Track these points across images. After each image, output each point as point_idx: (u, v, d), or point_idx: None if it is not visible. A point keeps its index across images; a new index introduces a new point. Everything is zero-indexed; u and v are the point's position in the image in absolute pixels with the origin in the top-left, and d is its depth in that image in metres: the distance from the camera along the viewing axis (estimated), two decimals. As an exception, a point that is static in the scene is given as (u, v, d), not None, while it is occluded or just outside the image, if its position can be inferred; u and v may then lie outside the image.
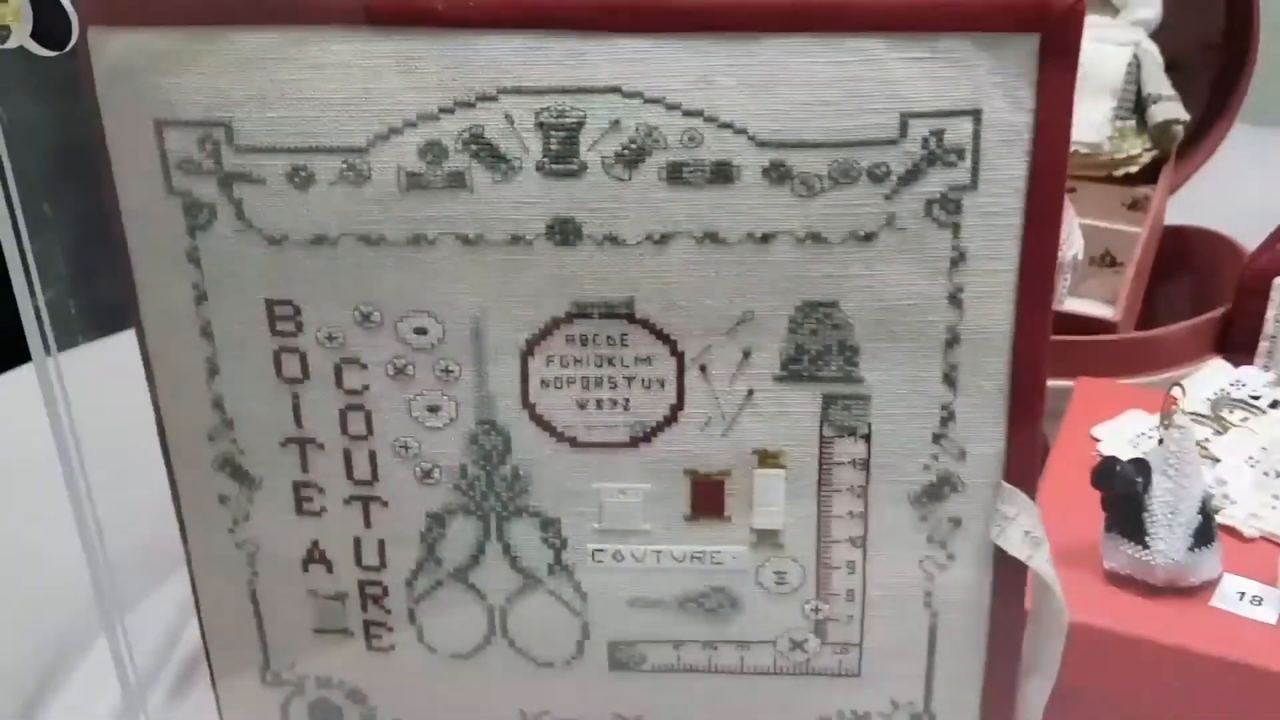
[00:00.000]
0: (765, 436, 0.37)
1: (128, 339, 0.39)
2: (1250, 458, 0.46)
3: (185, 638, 0.50)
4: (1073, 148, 0.65)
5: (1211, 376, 0.52)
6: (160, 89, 0.34)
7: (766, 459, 0.37)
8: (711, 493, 0.38)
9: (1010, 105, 0.33)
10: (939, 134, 0.33)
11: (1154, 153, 0.66)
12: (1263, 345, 0.56)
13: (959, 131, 0.33)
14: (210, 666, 0.43)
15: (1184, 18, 0.69)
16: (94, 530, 0.39)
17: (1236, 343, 0.57)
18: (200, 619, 0.42)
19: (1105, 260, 0.66)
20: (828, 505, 0.37)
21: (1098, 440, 0.48)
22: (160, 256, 0.37)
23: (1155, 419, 0.49)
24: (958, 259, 0.34)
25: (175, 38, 0.34)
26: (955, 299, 0.35)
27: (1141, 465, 0.40)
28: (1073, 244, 0.60)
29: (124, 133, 0.35)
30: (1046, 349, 0.36)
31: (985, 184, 0.34)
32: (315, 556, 0.40)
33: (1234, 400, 0.50)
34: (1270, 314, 0.55)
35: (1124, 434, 0.48)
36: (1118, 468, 0.39)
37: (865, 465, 0.37)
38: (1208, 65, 0.72)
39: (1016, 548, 0.36)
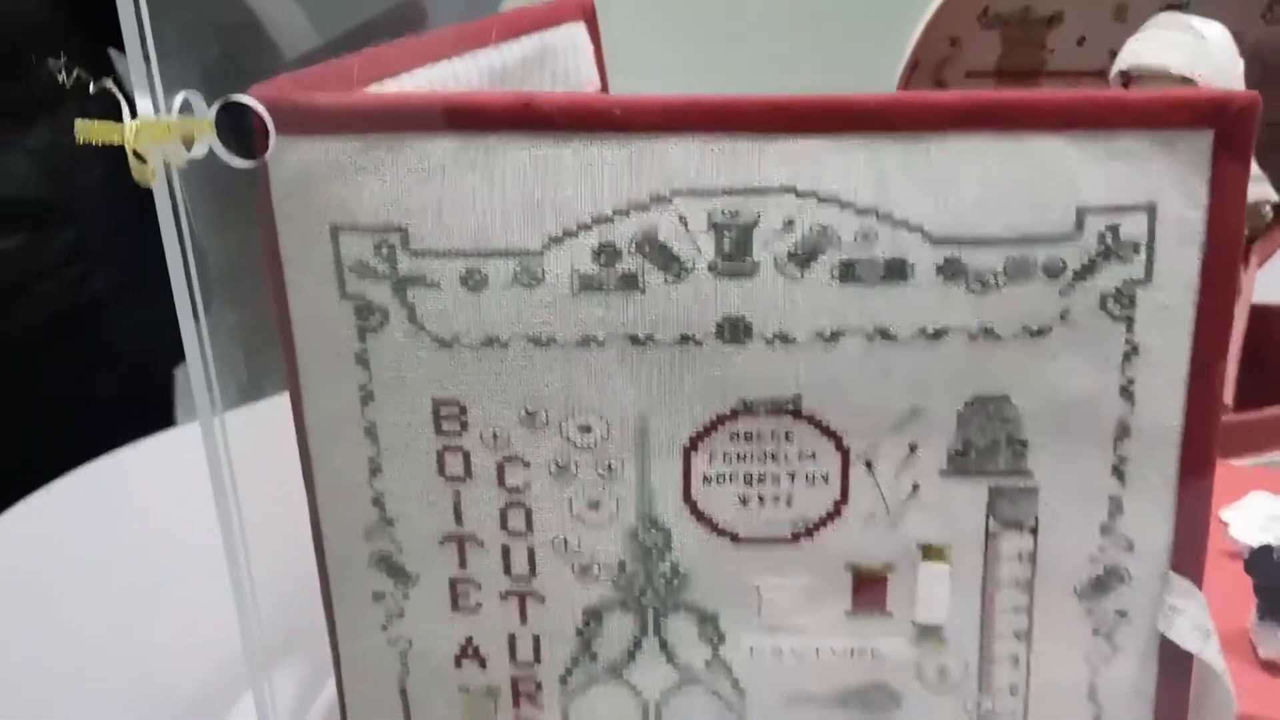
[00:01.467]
0: (930, 531, 0.37)
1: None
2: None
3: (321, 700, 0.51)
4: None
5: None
6: (338, 196, 0.35)
7: (931, 553, 0.37)
8: (874, 587, 0.37)
9: (1185, 200, 0.33)
10: (1115, 229, 0.34)
11: (1245, 235, 0.66)
12: (1372, 422, 0.56)
13: (1135, 226, 0.34)
14: (355, 765, 0.42)
15: (1273, 94, 0.70)
16: (250, 603, 0.39)
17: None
18: (344, 714, 0.42)
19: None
20: (992, 599, 0.37)
21: (1226, 524, 0.48)
22: (328, 360, 0.37)
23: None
24: (1130, 352, 0.35)
25: (357, 146, 0.35)
26: (1127, 392, 0.35)
27: (1296, 553, 0.39)
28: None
29: (298, 239, 0.36)
30: (1215, 440, 0.36)
31: (1159, 277, 0.34)
32: (469, 653, 0.40)
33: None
34: (1379, 393, 0.56)
35: (1253, 516, 0.48)
36: (1273, 555, 0.39)
37: (1031, 559, 0.37)
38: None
39: (1187, 639, 0.36)
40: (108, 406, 0.93)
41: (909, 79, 0.82)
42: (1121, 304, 0.34)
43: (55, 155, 0.96)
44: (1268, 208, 0.66)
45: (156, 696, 0.55)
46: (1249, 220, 0.67)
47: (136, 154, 0.32)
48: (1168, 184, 0.33)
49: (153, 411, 1.01)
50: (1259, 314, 0.70)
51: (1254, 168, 0.67)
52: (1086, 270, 0.34)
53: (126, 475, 0.75)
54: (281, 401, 0.39)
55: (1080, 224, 0.34)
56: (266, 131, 0.33)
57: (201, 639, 0.48)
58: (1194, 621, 0.36)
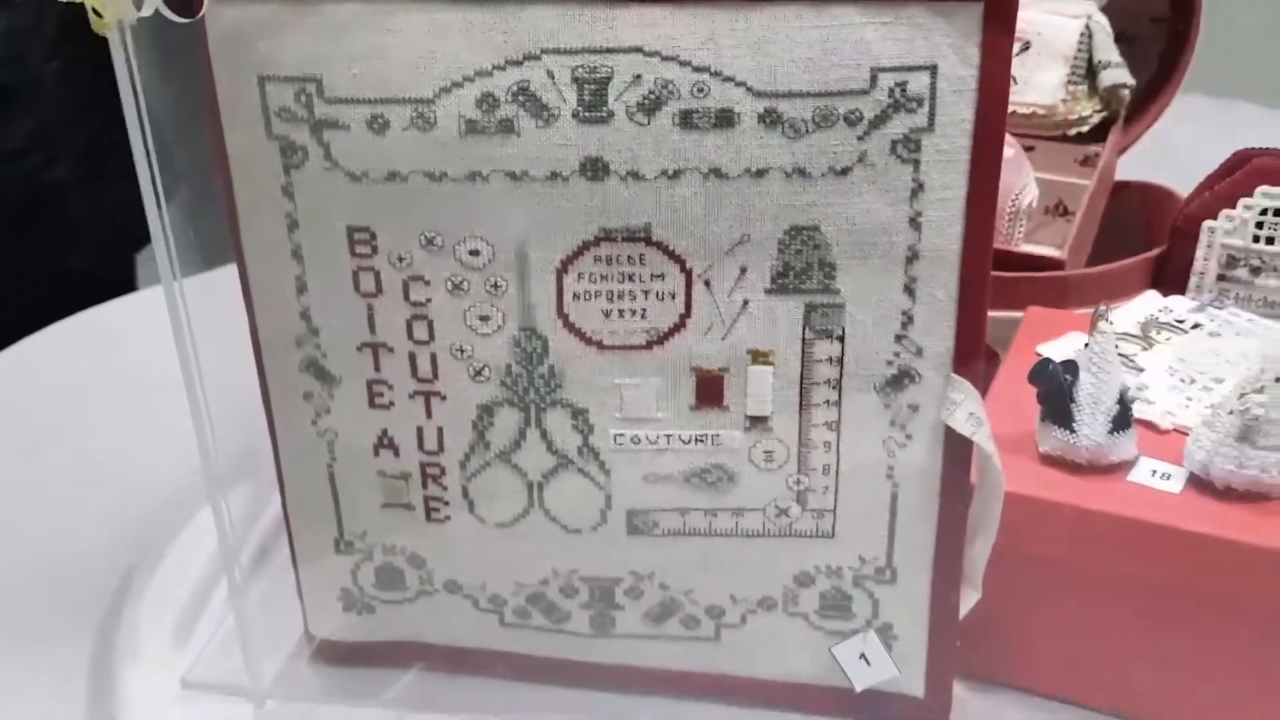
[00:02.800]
0: (757, 339, 0.45)
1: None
2: (1169, 368, 0.54)
3: (266, 516, 0.59)
4: (1029, 109, 0.74)
5: (1144, 304, 0.60)
6: (264, 50, 0.42)
7: (758, 357, 0.45)
8: (713, 386, 0.45)
9: (960, 61, 0.41)
10: (903, 85, 0.41)
11: (1103, 114, 0.74)
12: (1192, 280, 0.64)
13: (919, 83, 0.41)
14: (291, 538, 0.51)
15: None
16: (207, 424, 0.47)
17: (1170, 279, 0.65)
18: (284, 498, 0.50)
19: (1059, 210, 0.74)
20: (808, 395, 0.45)
21: (1041, 356, 0.56)
22: (259, 192, 0.44)
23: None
24: (917, 189, 0.42)
25: (278, 7, 0.41)
26: (915, 222, 0.43)
27: (1069, 364, 0.48)
28: (1028, 193, 0.69)
29: (232, 88, 0.43)
30: (989, 263, 0.43)
31: (940, 126, 0.41)
32: (385, 443, 0.48)
33: (1161, 323, 0.58)
34: (1199, 254, 0.64)
35: (1064, 350, 0.56)
36: (1049, 366, 0.48)
37: (839, 362, 0.45)
38: (1157, 37, 0.80)
39: (962, 426, 0.44)
40: (74, 286, 0.95)
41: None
42: (909, 148, 0.42)
43: (13, 44, 0.99)
44: (1125, 91, 0.73)
45: (135, 510, 0.63)
46: (1111, 102, 0.75)
47: (95, 10, 0.38)
48: (946, 47, 0.40)
49: (117, 291, 1.05)
50: (1124, 189, 0.78)
51: (1115, 55, 0.75)
52: (879, 120, 0.41)
53: (96, 330, 0.82)
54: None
55: (874, 81, 0.41)
56: (201, -7, 0.40)
57: (169, 462, 0.55)
58: (969, 411, 0.44)
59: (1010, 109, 0.73)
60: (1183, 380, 0.53)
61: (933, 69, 0.41)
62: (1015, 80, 0.74)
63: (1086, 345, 0.48)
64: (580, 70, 0.41)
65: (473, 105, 0.42)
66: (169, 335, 0.45)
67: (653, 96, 0.41)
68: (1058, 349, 0.56)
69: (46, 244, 1.06)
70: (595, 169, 0.42)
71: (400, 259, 0.44)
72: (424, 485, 0.48)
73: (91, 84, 1.02)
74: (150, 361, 0.52)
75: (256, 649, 0.51)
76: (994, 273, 0.62)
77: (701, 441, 0.46)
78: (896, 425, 0.45)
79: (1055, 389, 0.47)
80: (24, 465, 0.68)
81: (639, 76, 0.41)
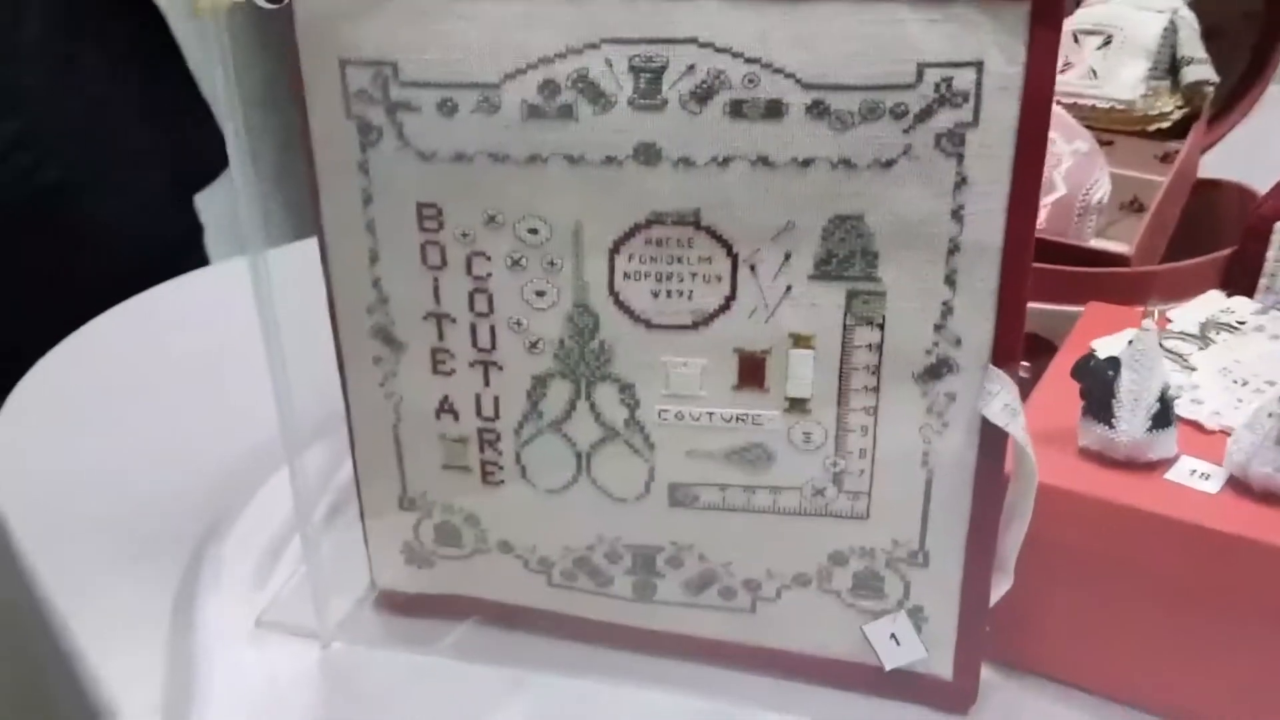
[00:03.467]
0: (799, 323, 0.46)
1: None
2: (1224, 368, 0.54)
3: (340, 474, 0.63)
4: (1108, 104, 0.73)
5: (1206, 303, 0.60)
6: (345, 34, 0.45)
7: (800, 341, 0.46)
8: (755, 367, 0.47)
9: (1006, 59, 0.42)
10: (949, 81, 0.42)
11: (1185, 110, 0.73)
12: (1261, 282, 0.63)
13: (964, 79, 0.42)
14: (359, 494, 0.54)
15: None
16: (285, 388, 0.50)
17: (1240, 281, 0.64)
18: (354, 457, 0.53)
19: (1134, 206, 0.73)
20: (847, 380, 0.47)
21: (1094, 351, 0.57)
22: (337, 168, 0.47)
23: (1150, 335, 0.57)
24: (960, 183, 0.43)
25: (359, -6, 0.44)
26: (957, 215, 0.44)
27: (1113, 361, 0.48)
28: (1099, 188, 0.69)
29: (315, 70, 0.46)
30: (1030, 258, 0.44)
31: (984, 123, 0.42)
32: (446, 408, 0.51)
33: (1220, 324, 0.58)
34: (1270, 255, 0.63)
35: (1117, 346, 0.56)
36: (1091, 362, 0.48)
37: (879, 349, 0.46)
38: (1248, 31, 0.79)
39: (997, 417, 0.45)
40: (83, 292, 0.91)
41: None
42: (953, 142, 0.43)
43: None
44: (1207, 88, 0.72)
45: (210, 469, 0.67)
46: (1193, 99, 0.74)
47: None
48: (992, 45, 0.41)
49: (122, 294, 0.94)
50: (1206, 187, 0.77)
51: (1199, 51, 0.74)
52: (925, 114, 0.42)
53: (167, 306, 0.87)
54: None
55: (920, 76, 0.42)
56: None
57: (255, 425, 0.59)
58: (1005, 403, 0.45)
59: (1089, 103, 0.74)
60: (1235, 381, 0.53)
61: (979, 65, 0.42)
62: (1095, 74, 0.74)
63: (1130, 343, 0.48)
64: (637, 59, 0.43)
65: (535, 91, 0.44)
66: (243, 310, 0.48)
67: (705, 86, 0.43)
68: (1112, 345, 0.57)
69: (44, 247, 1.03)
70: (649, 154, 0.44)
71: (464, 235, 0.47)
72: (481, 450, 0.51)
73: (82, 92, 1.01)
74: (231, 332, 0.56)
75: (325, 595, 0.55)
76: (1060, 266, 0.63)
77: (743, 420, 0.48)
78: (933, 413, 0.47)
79: (1097, 384, 0.48)
80: (122, 426, 0.73)
81: (692, 67, 0.43)
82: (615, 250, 0.46)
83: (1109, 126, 0.74)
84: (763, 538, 0.50)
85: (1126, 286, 0.63)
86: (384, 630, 0.56)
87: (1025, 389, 0.65)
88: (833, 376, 0.47)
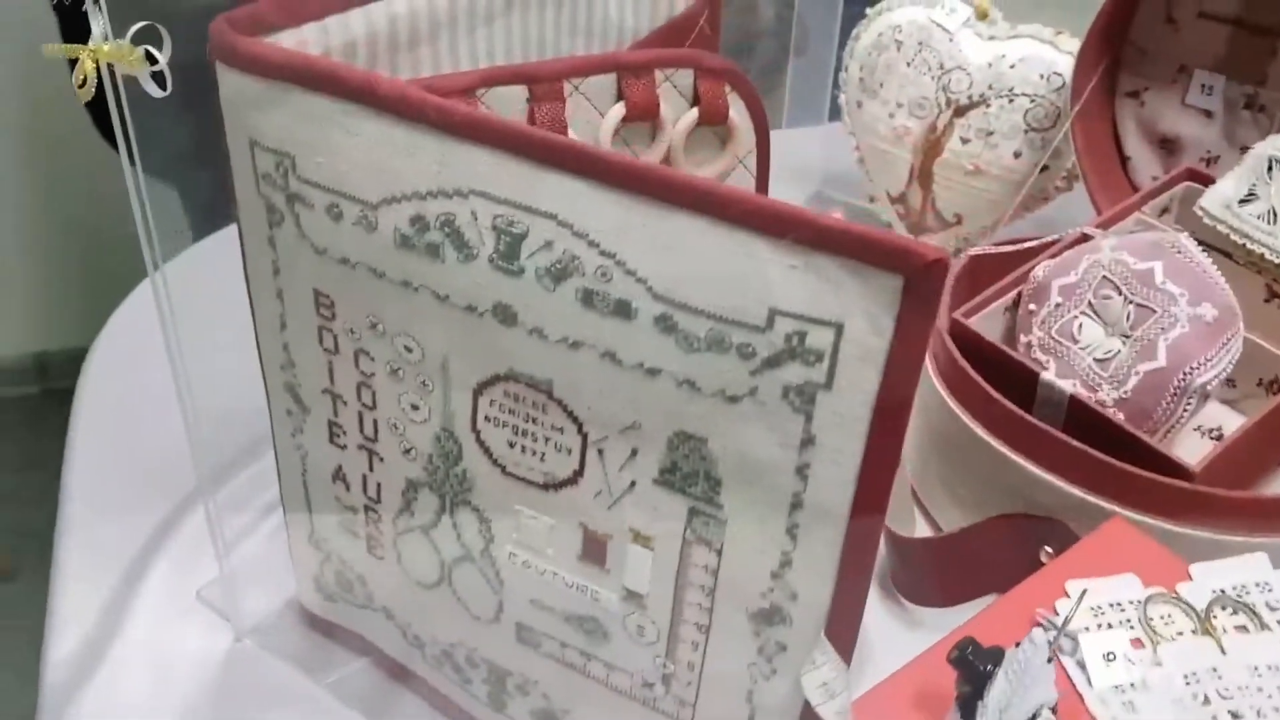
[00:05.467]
0: (641, 521, 0.42)
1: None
2: (1192, 673, 0.45)
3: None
4: (1273, 255, 0.60)
5: (1241, 566, 0.49)
6: (254, 119, 0.44)
7: (639, 538, 0.43)
8: (597, 546, 0.44)
9: (871, 329, 0.35)
10: (802, 335, 0.36)
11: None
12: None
13: (820, 338, 0.36)
14: (285, 516, 0.56)
15: None
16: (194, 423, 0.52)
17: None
18: (279, 482, 0.55)
19: (1274, 388, 0.60)
20: (682, 592, 0.43)
21: (1066, 594, 0.48)
22: (254, 235, 0.47)
23: (1142, 594, 0.49)
24: (808, 441, 0.37)
25: (265, 85, 0.43)
26: (802, 473, 0.38)
27: (996, 654, 0.41)
28: (1211, 369, 0.57)
29: (235, 142, 0.45)
30: (878, 530, 0.38)
31: (839, 388, 0.36)
32: (339, 476, 0.51)
33: (1239, 602, 0.48)
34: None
35: (1096, 596, 0.48)
36: (970, 650, 0.41)
37: (715, 573, 0.42)
38: None
39: (812, 694, 0.40)
40: None
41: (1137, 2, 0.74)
42: (802, 399, 0.37)
43: None
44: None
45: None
46: (1269, 271, 0.59)
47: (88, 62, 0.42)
48: (857, 310, 0.35)
49: None
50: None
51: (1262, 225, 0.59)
52: (773, 361, 0.37)
53: None
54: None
55: (771, 322, 0.36)
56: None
57: None
58: (825, 680, 0.40)
59: (1259, 250, 0.61)
60: (1195, 696, 0.44)
61: (839, 328, 0.35)
62: (1275, 216, 0.60)
63: (1018, 646, 0.41)
64: (500, 220, 0.40)
65: (407, 222, 0.42)
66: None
67: (560, 266, 0.39)
68: (1093, 594, 0.48)
69: None
70: (505, 315, 0.41)
71: (352, 331, 0.46)
72: (367, 523, 0.51)
73: None
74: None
75: (243, 593, 0.58)
76: (1098, 454, 0.54)
77: (583, 591, 0.45)
78: (763, 655, 0.42)
79: (970, 677, 0.41)
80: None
81: (550, 243, 0.39)
82: (479, 391, 0.44)
83: (1277, 279, 0.61)
84: (599, 704, 0.48)
85: (1174, 506, 0.53)
86: (295, 639, 0.59)
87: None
88: (669, 584, 0.43)
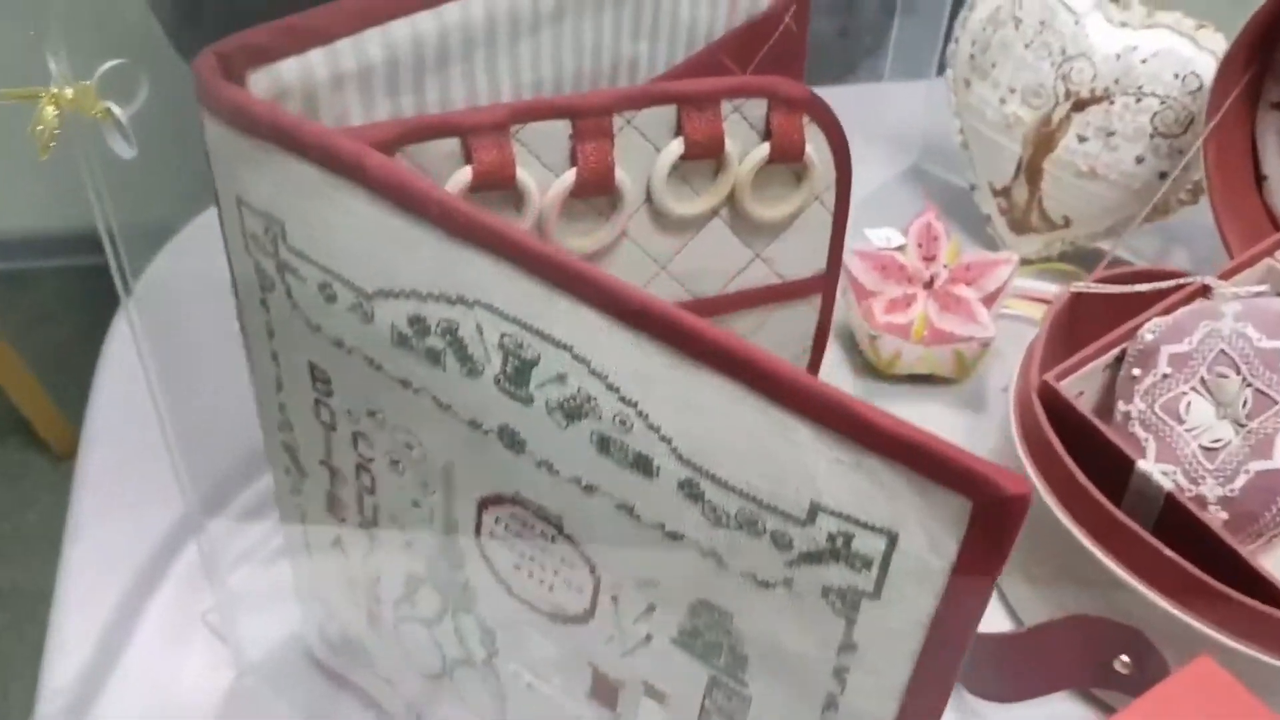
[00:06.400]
0: (655, 677, 0.37)
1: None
2: None
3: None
4: None
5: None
6: (242, 176, 0.38)
7: (653, 693, 0.38)
8: (608, 689, 0.39)
9: (930, 548, 0.29)
10: (848, 537, 0.30)
11: None
12: None
13: (869, 544, 0.29)
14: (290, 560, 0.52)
15: None
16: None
17: None
18: (281, 522, 0.51)
19: None
20: (697, 758, 0.38)
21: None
22: (247, 294, 0.42)
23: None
24: (848, 646, 0.32)
25: (253, 144, 0.37)
26: (840, 676, 0.32)
27: None
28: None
29: (223, 195, 0.39)
30: (926, 756, 0.32)
31: (889, 601, 0.30)
32: (340, 546, 0.47)
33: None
34: None
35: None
36: None
37: (734, 749, 0.36)
38: None
39: None
40: None
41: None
42: (845, 603, 0.31)
43: None
44: None
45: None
46: None
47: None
48: (915, 522, 0.28)
49: None
50: None
51: None
52: (813, 558, 0.30)
53: None
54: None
55: (813, 516, 0.30)
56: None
57: None
58: None
59: None
60: None
61: (892, 537, 0.29)
62: None
63: None
64: (508, 340, 0.34)
65: (405, 321, 0.36)
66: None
67: (574, 404, 0.33)
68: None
69: None
70: (512, 441, 0.35)
71: (349, 413, 0.41)
72: (367, 600, 0.47)
73: None
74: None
75: (250, 617, 0.54)
76: (1196, 573, 0.47)
77: (589, 727, 0.41)
78: (784, 841, 0.37)
79: None
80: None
81: (563, 376, 0.33)
82: (483, 505, 0.38)
83: None
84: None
85: (1273, 639, 0.46)
86: (296, 683, 0.55)
87: (1127, 685, 0.52)
88: (681, 745, 0.38)
